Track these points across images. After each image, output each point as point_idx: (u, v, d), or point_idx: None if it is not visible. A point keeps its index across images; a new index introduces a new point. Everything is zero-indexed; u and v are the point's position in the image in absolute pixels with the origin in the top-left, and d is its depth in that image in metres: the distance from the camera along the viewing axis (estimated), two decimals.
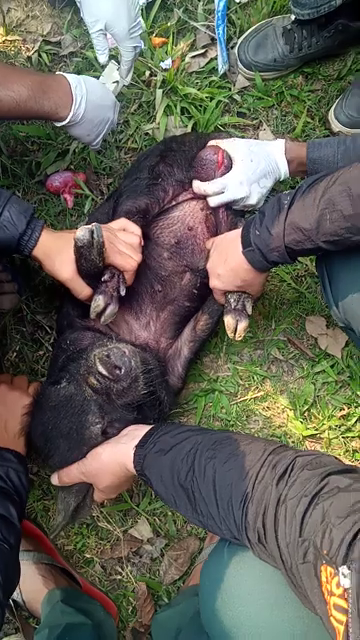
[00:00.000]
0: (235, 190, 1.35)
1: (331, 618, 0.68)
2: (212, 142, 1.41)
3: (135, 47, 1.33)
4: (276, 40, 1.65)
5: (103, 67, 1.52)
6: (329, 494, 0.76)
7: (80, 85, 1.27)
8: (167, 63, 1.66)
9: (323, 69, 1.72)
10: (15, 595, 1.35)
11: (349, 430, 1.51)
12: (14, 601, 1.36)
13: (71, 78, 1.26)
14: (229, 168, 1.37)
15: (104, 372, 1.08)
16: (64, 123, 1.28)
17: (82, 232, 1.14)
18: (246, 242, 1.17)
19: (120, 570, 1.44)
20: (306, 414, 1.52)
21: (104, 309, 1.19)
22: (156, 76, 1.65)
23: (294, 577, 0.78)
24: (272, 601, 0.89)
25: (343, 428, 1.51)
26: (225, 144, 1.39)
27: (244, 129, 1.70)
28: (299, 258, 1.29)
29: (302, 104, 1.69)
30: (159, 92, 1.63)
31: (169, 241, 1.37)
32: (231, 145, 1.38)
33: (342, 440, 1.51)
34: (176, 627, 1.23)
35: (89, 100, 1.28)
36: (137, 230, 1.30)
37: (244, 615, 0.89)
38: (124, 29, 1.27)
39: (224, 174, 1.36)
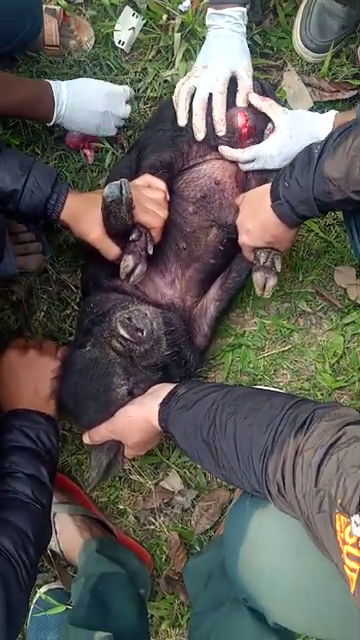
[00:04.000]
0: (266, 161, 1.34)
1: (345, 567, 0.73)
2: (265, 104, 1.37)
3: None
4: (332, 6, 1.55)
5: (118, 14, 1.50)
6: (345, 444, 0.79)
7: (61, 92, 1.36)
8: (185, 5, 1.62)
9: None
10: (53, 545, 1.45)
11: None
12: (52, 551, 1.46)
13: (55, 86, 1.36)
14: (258, 135, 1.34)
15: (126, 335, 1.12)
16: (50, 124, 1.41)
17: (111, 189, 1.16)
18: (275, 195, 1.18)
19: (153, 520, 1.53)
20: (335, 366, 1.55)
21: (133, 269, 1.22)
22: (174, 19, 1.61)
23: (312, 527, 0.83)
24: (293, 552, 0.94)
25: None
26: (271, 109, 1.35)
27: (268, 71, 1.66)
28: None
29: None
30: (177, 36, 1.60)
31: (194, 195, 1.38)
32: (277, 113, 1.34)
33: None
34: (207, 573, 1.31)
35: (70, 105, 1.37)
36: (162, 185, 1.31)
37: (266, 565, 0.96)
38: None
39: (252, 140, 1.34)
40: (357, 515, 0.71)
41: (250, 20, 1.64)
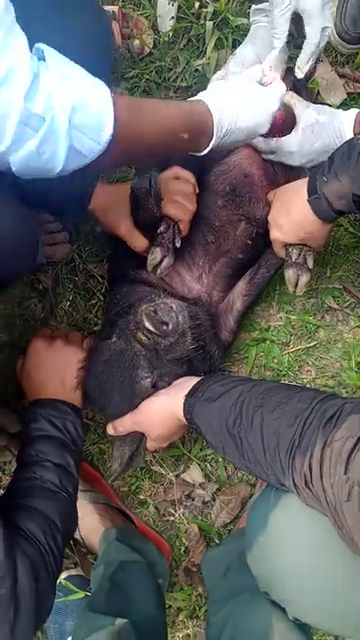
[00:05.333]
0: (285, 157, 1.36)
1: None
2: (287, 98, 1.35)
3: (324, 28, 1.23)
4: None
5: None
6: None
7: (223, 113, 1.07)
8: None
9: None
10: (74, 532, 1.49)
11: None
12: (73, 538, 1.50)
13: (213, 106, 1.06)
14: (289, 129, 1.35)
15: (151, 328, 1.14)
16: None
17: (139, 180, 1.18)
18: (312, 190, 1.19)
19: (173, 512, 1.56)
20: None
21: (160, 261, 1.25)
22: (206, 7, 1.63)
23: (339, 518, 0.85)
24: (317, 547, 0.97)
25: None
26: (294, 101, 1.36)
27: None
28: None
29: None
30: (209, 24, 1.62)
31: (224, 188, 1.40)
32: (300, 107, 1.35)
33: None
34: (225, 564, 1.34)
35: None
36: (191, 177, 1.33)
37: (287, 558, 0.98)
38: (317, 3, 1.17)
39: (283, 133, 1.35)
40: None
41: None
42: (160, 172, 1.32)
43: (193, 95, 1.11)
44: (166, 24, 1.62)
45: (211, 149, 1.07)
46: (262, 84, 1.15)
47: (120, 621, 1.21)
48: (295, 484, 0.91)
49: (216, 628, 1.20)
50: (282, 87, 1.16)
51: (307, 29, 1.23)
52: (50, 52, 0.86)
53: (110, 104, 0.89)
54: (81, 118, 0.86)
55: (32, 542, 0.97)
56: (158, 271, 1.28)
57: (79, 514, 1.43)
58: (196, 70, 1.65)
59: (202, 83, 1.62)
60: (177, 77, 1.65)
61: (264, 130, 1.14)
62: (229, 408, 1.05)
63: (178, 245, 1.27)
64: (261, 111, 1.11)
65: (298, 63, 1.28)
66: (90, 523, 1.47)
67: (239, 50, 1.42)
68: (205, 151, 1.08)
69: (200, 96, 1.08)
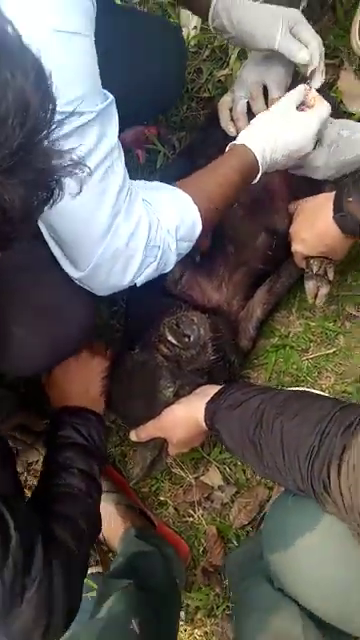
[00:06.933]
0: (310, 171, 1.37)
1: None
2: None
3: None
4: None
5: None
6: None
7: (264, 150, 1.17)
8: None
9: None
10: None
11: None
12: None
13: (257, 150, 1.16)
14: None
15: (173, 340, 1.18)
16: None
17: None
18: (338, 207, 1.22)
19: (192, 513, 1.60)
20: None
21: (180, 277, 1.28)
22: None
23: (357, 524, 0.88)
24: (333, 556, 1.00)
25: None
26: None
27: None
28: None
29: None
30: None
31: (244, 199, 1.41)
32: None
33: None
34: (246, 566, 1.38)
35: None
36: None
37: (305, 565, 1.01)
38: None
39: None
40: None
41: (308, 17, 1.67)
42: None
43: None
44: (190, 33, 1.65)
45: (261, 176, 1.19)
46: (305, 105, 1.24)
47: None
48: (314, 490, 0.94)
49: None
50: (324, 109, 1.23)
51: (303, 35, 1.24)
52: (142, 186, 1.04)
53: (196, 210, 1.05)
54: (182, 231, 1.05)
55: (64, 548, 1.01)
56: (178, 287, 1.31)
57: (102, 515, 1.48)
58: (219, 81, 1.68)
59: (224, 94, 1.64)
60: (200, 88, 1.68)
61: (308, 150, 1.23)
62: (250, 415, 1.09)
63: (197, 260, 1.31)
64: (299, 136, 1.20)
65: (313, 74, 1.28)
66: (113, 524, 1.51)
67: (240, 72, 1.42)
68: (256, 180, 1.19)
69: (240, 136, 1.18)
